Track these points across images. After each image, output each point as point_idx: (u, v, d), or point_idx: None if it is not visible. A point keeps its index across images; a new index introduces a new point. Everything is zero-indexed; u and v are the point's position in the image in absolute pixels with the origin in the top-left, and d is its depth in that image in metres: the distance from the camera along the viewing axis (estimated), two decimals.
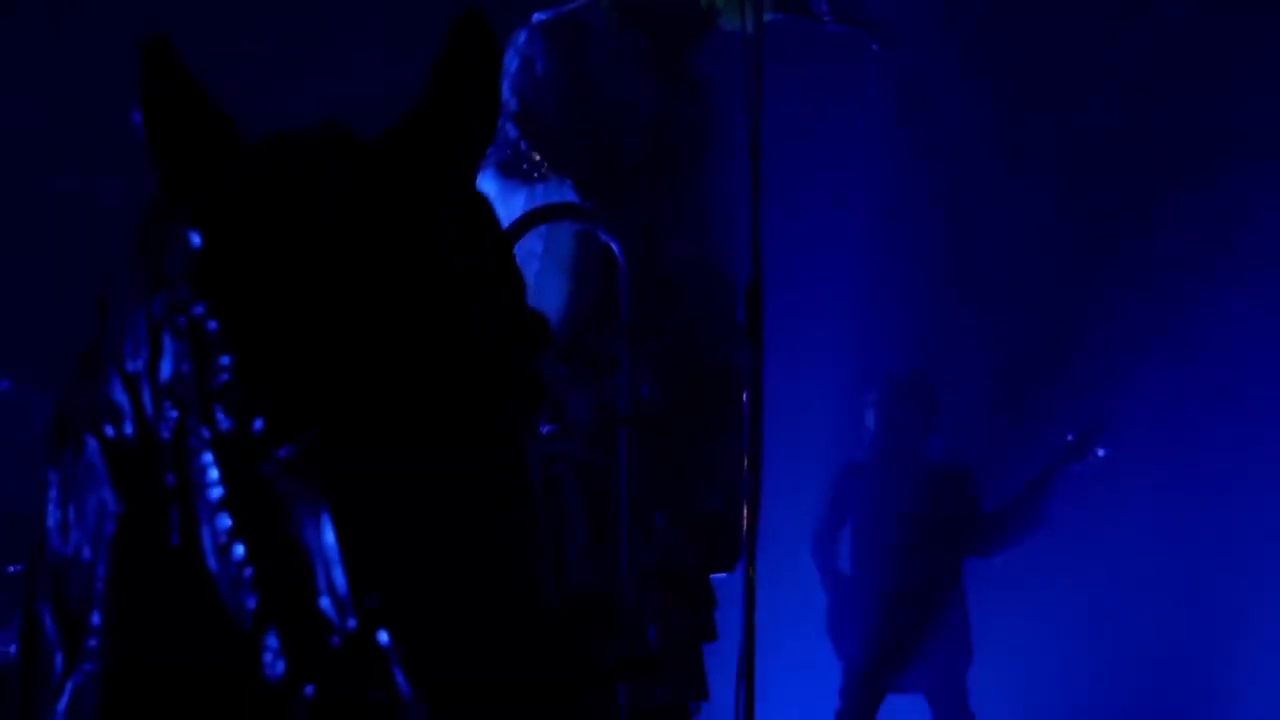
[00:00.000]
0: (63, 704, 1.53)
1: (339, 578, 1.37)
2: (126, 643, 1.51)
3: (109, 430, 1.53)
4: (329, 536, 1.38)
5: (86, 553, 1.55)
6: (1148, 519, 6.74)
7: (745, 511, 3.76)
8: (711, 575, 4.15)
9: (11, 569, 5.04)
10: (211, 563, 1.46)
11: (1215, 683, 6.70)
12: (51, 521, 1.58)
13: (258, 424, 1.40)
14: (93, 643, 1.52)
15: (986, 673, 6.49)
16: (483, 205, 1.54)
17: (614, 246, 3.80)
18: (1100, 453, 6.40)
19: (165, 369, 1.48)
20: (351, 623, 1.36)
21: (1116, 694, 6.66)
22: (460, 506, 1.38)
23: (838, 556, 6.42)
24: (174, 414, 1.47)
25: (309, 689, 1.38)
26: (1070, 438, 6.41)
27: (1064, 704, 6.66)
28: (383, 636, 1.34)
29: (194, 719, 1.50)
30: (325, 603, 1.37)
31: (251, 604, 1.41)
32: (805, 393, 6.10)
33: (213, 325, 1.43)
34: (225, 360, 1.42)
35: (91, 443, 1.54)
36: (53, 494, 1.59)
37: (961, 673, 6.42)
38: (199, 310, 1.44)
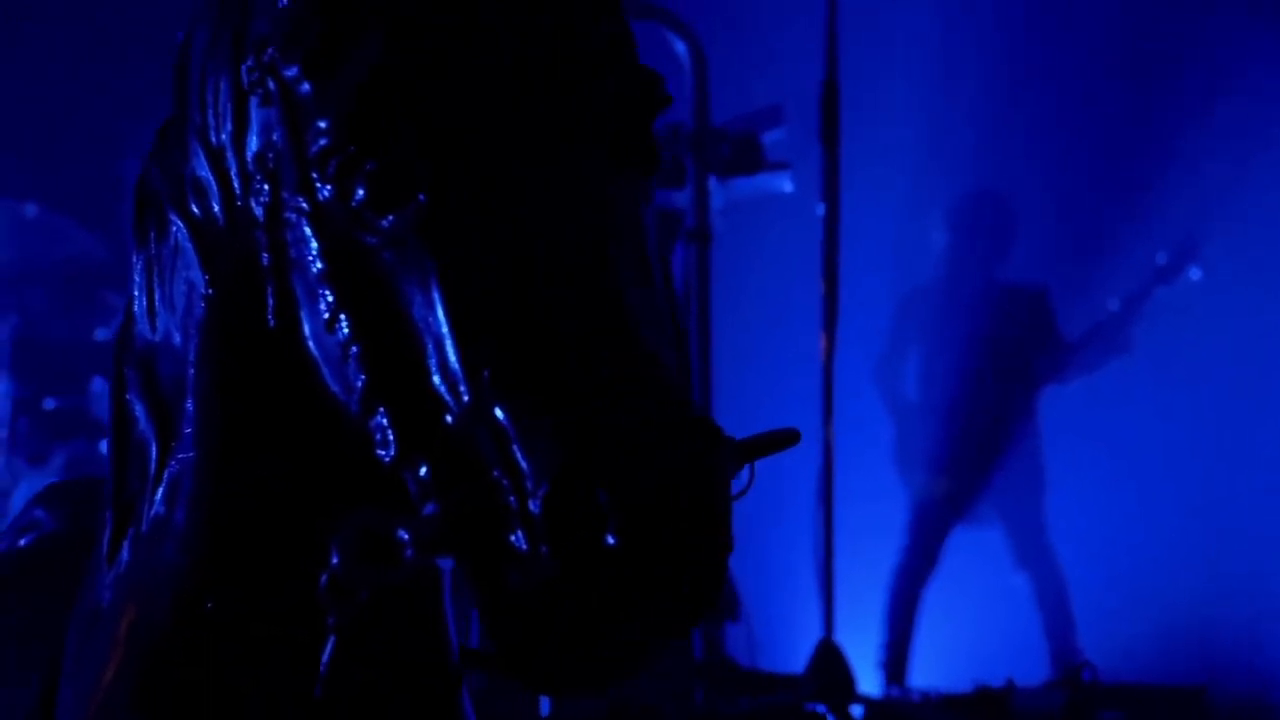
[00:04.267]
0: (160, 492, 1.56)
1: (451, 352, 1.38)
2: (222, 428, 1.54)
3: (195, 209, 1.54)
4: (439, 309, 1.39)
5: (177, 338, 1.56)
6: (1243, 342, 6.69)
7: (823, 338, 3.80)
8: None
9: (48, 403, 5.09)
10: (311, 344, 1.47)
11: None
12: (138, 308, 1.59)
13: (360, 192, 1.41)
14: (188, 429, 1.55)
15: (1064, 507, 6.52)
16: None
17: (680, 47, 3.78)
18: (1195, 275, 6.34)
19: (254, 141, 1.48)
20: (466, 398, 1.37)
21: (1201, 525, 6.68)
22: (578, 268, 1.39)
23: (904, 383, 6.44)
24: (266, 187, 1.47)
25: (423, 468, 1.40)
26: (1161, 259, 6.36)
27: (1148, 537, 6.69)
28: (499, 411, 1.36)
29: (294, 503, 1.53)
30: (437, 380, 1.39)
31: (359, 383, 1.42)
32: (869, 207, 6.06)
33: (306, 88, 1.43)
34: (322, 124, 1.42)
35: (177, 222, 1.55)
36: (138, 279, 1.60)
37: (1037, 505, 6.46)
38: (291, 72, 1.43)
